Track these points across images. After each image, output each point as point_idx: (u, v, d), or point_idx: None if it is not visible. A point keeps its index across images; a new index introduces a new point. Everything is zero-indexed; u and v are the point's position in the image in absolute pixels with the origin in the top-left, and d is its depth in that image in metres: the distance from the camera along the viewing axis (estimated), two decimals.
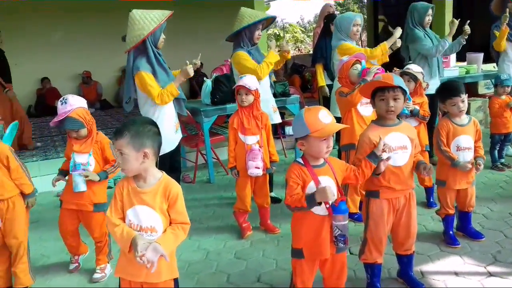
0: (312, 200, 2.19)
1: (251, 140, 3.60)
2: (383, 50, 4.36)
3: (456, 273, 2.95)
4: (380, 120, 2.64)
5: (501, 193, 4.31)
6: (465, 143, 3.23)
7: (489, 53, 5.86)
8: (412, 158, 2.64)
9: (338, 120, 3.55)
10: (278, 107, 4.68)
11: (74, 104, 3.03)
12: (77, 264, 3.41)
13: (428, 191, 4.08)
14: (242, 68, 4.18)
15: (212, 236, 3.83)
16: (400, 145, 2.59)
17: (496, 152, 5.00)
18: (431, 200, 4.05)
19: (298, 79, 10.61)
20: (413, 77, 3.97)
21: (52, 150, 6.58)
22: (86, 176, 3.05)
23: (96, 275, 3.24)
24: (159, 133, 2.12)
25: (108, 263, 3.35)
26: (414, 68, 4.05)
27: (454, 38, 5.00)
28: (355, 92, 3.48)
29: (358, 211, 3.86)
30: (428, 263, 3.11)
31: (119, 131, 2.04)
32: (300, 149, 2.33)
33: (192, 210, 4.34)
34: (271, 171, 3.75)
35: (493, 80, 6.17)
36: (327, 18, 6.14)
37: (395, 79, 2.53)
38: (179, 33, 10.43)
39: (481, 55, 6.77)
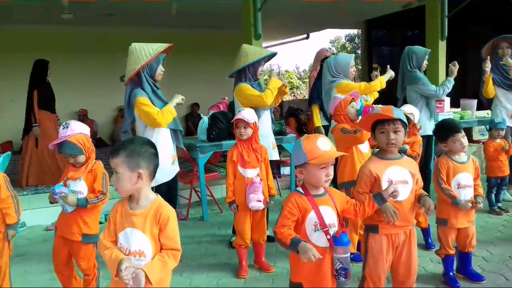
0: (294, 247, 2.11)
1: (251, 173, 3.55)
2: (381, 82, 4.51)
3: None
4: (381, 153, 2.62)
5: (500, 236, 4.25)
6: (466, 181, 3.20)
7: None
8: (413, 194, 2.59)
9: (337, 160, 3.53)
10: (277, 145, 4.67)
11: (75, 129, 3.00)
12: None
13: (425, 232, 4.01)
14: (247, 98, 4.18)
15: (204, 273, 3.70)
16: (401, 179, 2.55)
17: (493, 196, 4.97)
18: (429, 241, 3.97)
19: (294, 121, 10.65)
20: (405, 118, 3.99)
21: (44, 186, 6.47)
22: (64, 197, 2.92)
23: None
24: (156, 155, 2.07)
25: None
26: (407, 109, 4.08)
27: None
28: (364, 130, 3.47)
29: (356, 251, 3.77)
30: None
31: (115, 149, 2.00)
32: (299, 177, 2.28)
33: (184, 246, 4.09)
34: (269, 205, 3.68)
35: (487, 126, 6.24)
36: (323, 61, 6.23)
37: (395, 111, 2.52)
38: (177, 75, 10.56)
39: (475, 101, 6.86)
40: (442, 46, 7.50)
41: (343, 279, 2.20)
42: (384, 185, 2.52)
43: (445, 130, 3.27)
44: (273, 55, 4.54)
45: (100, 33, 10.50)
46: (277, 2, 6.77)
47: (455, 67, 5.01)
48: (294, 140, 5.59)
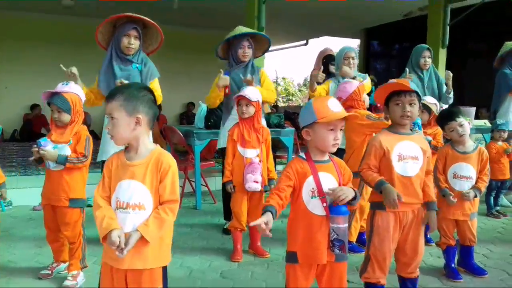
0: (265, 211, 2.00)
1: (251, 153, 3.43)
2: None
3: None
4: (393, 127, 2.52)
5: (500, 237, 4.16)
6: (464, 172, 3.12)
7: (479, 108, 5.86)
8: (423, 171, 2.49)
9: (342, 152, 3.41)
10: (272, 138, 4.51)
11: (73, 89, 2.98)
12: (50, 272, 3.10)
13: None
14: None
15: (196, 255, 3.57)
16: (411, 155, 2.45)
17: (491, 199, 4.90)
18: (428, 236, 3.87)
19: (290, 125, 10.62)
20: (427, 108, 3.91)
21: (33, 168, 6.31)
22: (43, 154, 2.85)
23: (66, 282, 2.93)
24: (155, 102, 1.96)
25: (82, 270, 3.05)
26: (428, 99, 4.02)
27: None
28: None
29: (354, 242, 3.66)
30: None
31: (111, 94, 1.88)
32: (306, 139, 2.15)
33: (176, 230, 4.02)
34: (268, 188, 3.56)
35: (484, 135, 6.20)
36: (326, 58, 6.15)
37: (411, 84, 2.44)
38: (175, 73, 10.50)
39: (473, 109, 6.83)
40: (443, 54, 7.49)
41: (338, 251, 2.05)
42: (394, 160, 2.43)
43: (441, 118, 3.21)
44: (265, 40, 4.23)
45: (91, 26, 10.37)
46: None
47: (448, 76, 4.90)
48: (292, 133, 5.50)
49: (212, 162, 5.48)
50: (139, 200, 1.85)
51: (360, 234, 3.75)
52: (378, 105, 3.72)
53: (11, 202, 4.97)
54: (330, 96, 2.20)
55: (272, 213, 1.98)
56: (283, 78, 17.01)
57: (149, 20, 3.56)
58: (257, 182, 3.37)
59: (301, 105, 14.21)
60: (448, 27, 7.49)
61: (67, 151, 2.92)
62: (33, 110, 10.40)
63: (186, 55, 11.21)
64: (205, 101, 4.07)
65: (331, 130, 2.10)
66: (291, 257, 2.14)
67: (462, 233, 3.17)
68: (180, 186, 5.33)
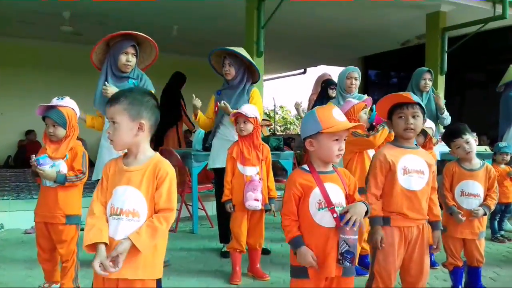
0: (294, 247, 2.02)
1: (251, 171, 3.34)
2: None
3: None
4: (397, 141, 2.46)
5: (506, 260, 4.05)
6: (472, 189, 3.04)
7: (479, 135, 5.82)
8: (429, 185, 2.41)
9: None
10: (272, 161, 4.43)
11: (68, 103, 2.93)
12: None
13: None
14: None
15: (193, 278, 3.43)
16: (416, 168, 2.38)
17: (496, 223, 4.79)
18: (433, 259, 3.75)
19: (288, 149, 10.58)
20: (423, 132, 3.85)
21: (26, 192, 6.19)
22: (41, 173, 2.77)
23: None
24: (158, 107, 1.90)
25: None
26: (425, 123, 3.96)
27: None
28: (378, 133, 3.32)
29: (356, 264, 3.53)
30: None
31: (114, 97, 1.82)
32: (309, 150, 2.07)
33: (172, 254, 3.93)
34: (269, 207, 3.46)
35: (485, 160, 6.13)
36: (325, 83, 6.16)
37: (414, 96, 2.39)
38: None
39: (473, 135, 6.79)
40: (442, 80, 7.51)
41: (348, 263, 1.96)
42: (399, 173, 2.35)
43: (447, 135, 3.14)
44: (256, 73, 4.05)
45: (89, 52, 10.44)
46: (278, 24, 6.76)
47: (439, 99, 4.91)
48: (292, 157, 5.42)
49: (209, 185, 5.37)
50: (133, 206, 1.76)
51: (362, 257, 3.63)
52: (374, 123, 3.71)
53: (2, 226, 4.84)
54: (333, 105, 2.14)
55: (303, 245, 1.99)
56: (281, 107, 17.06)
57: (146, 36, 3.52)
58: (257, 200, 3.27)
59: (299, 133, 14.18)
60: (446, 54, 7.54)
61: (63, 167, 2.85)
62: (28, 136, 10.31)
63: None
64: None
65: (336, 140, 2.03)
66: (300, 272, 2.03)
67: (469, 253, 3.06)
68: (177, 210, 5.23)
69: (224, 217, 3.80)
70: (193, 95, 4.00)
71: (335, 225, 1.99)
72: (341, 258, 1.96)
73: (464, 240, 3.05)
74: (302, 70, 13.11)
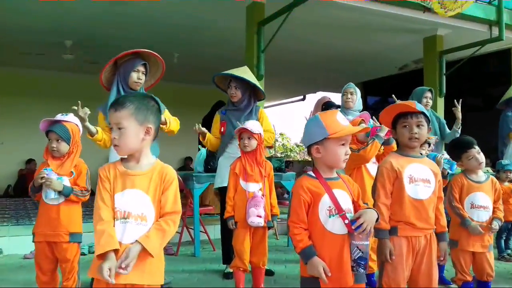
0: (304, 258, 1.96)
1: (253, 187, 3.30)
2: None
3: None
4: (402, 150, 2.44)
5: None
6: (481, 201, 3.01)
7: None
8: (435, 194, 2.38)
9: None
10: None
11: (72, 119, 2.95)
12: None
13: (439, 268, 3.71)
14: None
15: None
16: (422, 177, 2.36)
17: (502, 242, 4.72)
18: (443, 275, 3.67)
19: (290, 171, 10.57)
20: (427, 142, 3.85)
21: (25, 218, 6.12)
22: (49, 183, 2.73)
23: None
24: (160, 111, 1.90)
25: None
26: (430, 132, 3.96)
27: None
28: (368, 147, 3.32)
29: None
30: None
31: (119, 102, 1.81)
32: (315, 157, 2.05)
33: (174, 276, 3.86)
34: (271, 224, 3.40)
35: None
36: (325, 105, 6.17)
37: (418, 105, 2.38)
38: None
39: None
40: (441, 102, 7.54)
41: (362, 270, 1.93)
42: (406, 182, 2.33)
43: (458, 147, 3.13)
44: (261, 94, 4.09)
45: (93, 81, 10.53)
46: (277, 50, 6.84)
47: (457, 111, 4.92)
48: (294, 177, 5.38)
49: (211, 207, 5.31)
50: (142, 210, 1.75)
51: (368, 276, 3.54)
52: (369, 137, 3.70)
53: (1, 251, 4.77)
54: (336, 111, 2.13)
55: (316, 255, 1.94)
56: (281, 134, 17.09)
57: (154, 53, 3.53)
58: (260, 216, 3.22)
59: (300, 160, 14.14)
60: (444, 77, 7.58)
61: (68, 183, 2.82)
62: (28, 165, 10.27)
63: (183, 110, 11.22)
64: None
65: (342, 145, 2.02)
66: (312, 283, 1.96)
67: (480, 266, 3.00)
68: (178, 233, 5.16)
69: (228, 238, 3.74)
70: (196, 124, 3.96)
71: (346, 232, 1.96)
72: (354, 265, 1.93)
73: (474, 254, 3.01)
74: (301, 97, 13.19)
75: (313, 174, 2.06)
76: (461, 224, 2.96)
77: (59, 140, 2.83)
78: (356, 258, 1.92)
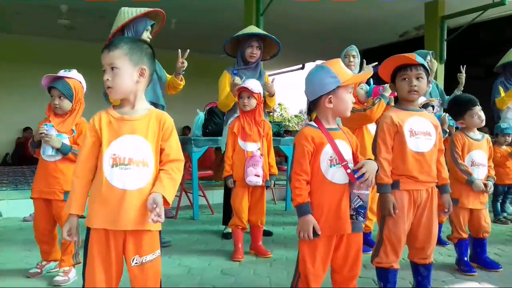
0: (301, 212, 1.96)
1: (252, 147, 3.30)
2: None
3: None
4: (402, 104, 2.42)
5: (510, 239, 4.00)
6: (480, 159, 3.03)
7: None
8: (437, 148, 2.39)
9: None
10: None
11: (75, 76, 2.90)
12: (39, 271, 2.90)
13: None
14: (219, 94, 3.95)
15: (195, 256, 3.38)
16: (423, 130, 2.35)
17: (498, 205, 4.76)
18: (439, 236, 3.70)
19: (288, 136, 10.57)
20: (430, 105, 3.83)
21: (24, 184, 6.14)
22: (48, 139, 2.71)
23: (58, 278, 2.75)
24: (154, 57, 1.87)
25: (74, 267, 2.87)
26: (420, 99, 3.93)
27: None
28: (374, 107, 3.30)
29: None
30: (444, 286, 2.72)
31: (113, 43, 1.77)
32: (326, 107, 2.00)
33: (173, 236, 3.89)
34: (269, 184, 3.41)
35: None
36: None
37: (417, 57, 2.35)
38: (171, 98, 10.41)
39: None
40: (441, 69, 7.49)
41: (362, 218, 1.95)
42: (407, 135, 2.32)
43: (461, 104, 3.09)
44: (276, 44, 4.06)
45: (88, 49, 10.40)
46: (276, 16, 6.75)
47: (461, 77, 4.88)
48: (293, 142, 5.37)
49: (210, 172, 5.32)
50: (143, 156, 1.74)
51: (365, 235, 3.57)
52: (372, 97, 3.68)
53: (1, 214, 4.80)
54: (338, 59, 2.10)
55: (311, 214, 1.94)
56: (280, 104, 17.02)
57: (161, 11, 3.55)
58: (258, 176, 3.23)
59: (297, 129, 14.11)
60: (445, 43, 7.53)
61: (67, 142, 2.81)
62: (25, 133, 10.24)
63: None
64: (219, 105, 3.93)
65: (350, 92, 2.03)
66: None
67: (477, 223, 3.03)
68: (177, 196, 5.18)
69: (228, 201, 3.77)
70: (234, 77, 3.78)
71: (346, 182, 1.97)
72: (354, 213, 1.95)
73: (471, 211, 3.03)
74: (300, 66, 13.08)
75: (315, 124, 2.05)
76: (467, 182, 2.96)
77: (62, 97, 2.79)
78: (356, 206, 1.94)
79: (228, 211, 3.93)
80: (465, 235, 3.03)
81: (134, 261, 1.74)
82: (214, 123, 4.98)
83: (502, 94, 5.07)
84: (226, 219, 4.03)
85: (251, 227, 3.44)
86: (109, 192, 1.70)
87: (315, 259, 1.98)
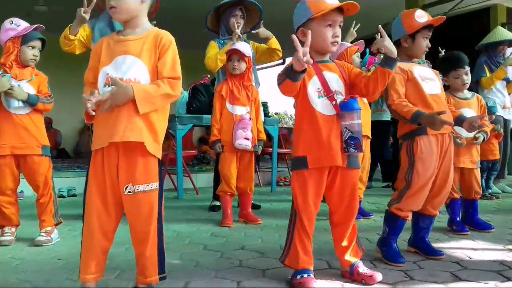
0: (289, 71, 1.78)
1: (241, 111, 3.23)
2: None
3: (474, 249, 2.55)
4: (403, 58, 2.40)
5: (497, 210, 4.01)
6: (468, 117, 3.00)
7: None
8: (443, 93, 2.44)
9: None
10: None
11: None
12: (12, 237, 2.67)
13: None
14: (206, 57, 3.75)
15: (182, 223, 3.29)
16: (429, 76, 2.39)
17: (483, 181, 4.77)
18: None
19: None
20: None
21: None
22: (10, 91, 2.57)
23: (40, 238, 2.62)
24: None
25: (56, 227, 2.74)
26: None
27: None
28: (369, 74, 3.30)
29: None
30: (439, 243, 2.69)
31: None
32: (302, 40, 1.84)
33: None
34: (258, 149, 3.34)
35: None
36: None
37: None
38: None
39: None
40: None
41: (354, 150, 1.87)
42: (419, 79, 2.33)
43: (448, 62, 3.06)
44: (258, 11, 3.94)
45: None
46: None
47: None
48: (277, 123, 5.33)
49: (195, 152, 5.23)
50: (134, 75, 1.66)
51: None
52: (366, 66, 3.68)
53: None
54: None
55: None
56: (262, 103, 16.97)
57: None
58: (248, 139, 3.16)
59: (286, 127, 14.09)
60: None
61: (29, 89, 2.68)
62: None
63: None
64: (206, 64, 3.70)
65: (329, 25, 1.93)
66: (300, 163, 1.93)
67: (468, 183, 3.03)
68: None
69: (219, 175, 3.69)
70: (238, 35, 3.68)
71: (336, 113, 1.90)
72: (345, 146, 1.88)
73: (462, 171, 3.02)
74: (281, 61, 13.02)
75: None
76: None
77: (40, 50, 2.74)
78: (346, 138, 1.88)
79: (217, 186, 3.82)
80: (456, 195, 3.02)
81: (127, 190, 1.65)
82: (199, 101, 4.89)
83: (488, 74, 5.10)
84: (215, 195, 3.93)
85: (239, 194, 3.36)
86: (103, 113, 1.64)
87: (307, 195, 1.91)
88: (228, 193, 3.27)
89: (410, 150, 2.29)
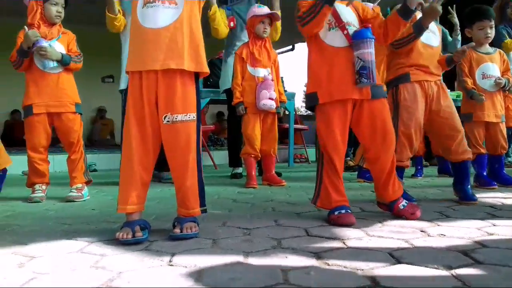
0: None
1: (262, 72, 3.23)
2: None
3: (505, 198, 2.53)
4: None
5: None
6: (492, 71, 3.01)
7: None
8: (440, 43, 2.48)
9: None
10: None
11: None
12: (43, 194, 2.70)
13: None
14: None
15: (208, 187, 3.26)
16: (430, 29, 2.38)
17: None
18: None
19: None
20: None
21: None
22: (44, 53, 2.59)
23: (71, 194, 2.65)
24: None
25: (86, 185, 2.77)
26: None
27: None
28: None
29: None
30: None
31: None
32: None
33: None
34: (280, 110, 3.35)
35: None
36: None
37: None
38: None
39: None
40: None
41: (365, 80, 1.84)
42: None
43: (474, 12, 3.01)
44: None
45: (83, 33, 10.22)
46: None
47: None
48: (293, 97, 5.32)
49: (212, 126, 5.23)
50: None
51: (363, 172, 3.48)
52: None
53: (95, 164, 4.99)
54: None
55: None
56: None
57: None
58: (272, 99, 3.15)
59: None
60: None
61: (62, 49, 2.72)
62: (13, 116, 10.02)
63: None
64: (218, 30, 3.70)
65: None
66: (311, 99, 1.95)
67: (494, 138, 3.02)
68: None
69: (234, 141, 3.70)
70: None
71: (347, 45, 1.89)
72: (358, 76, 1.86)
73: (487, 126, 3.01)
74: (290, 47, 12.97)
75: None
76: (467, 95, 2.97)
77: (64, 6, 2.75)
78: (358, 69, 1.86)
79: (234, 153, 3.84)
80: (483, 150, 3.00)
81: (166, 119, 1.65)
82: (216, 75, 4.88)
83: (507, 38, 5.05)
84: (232, 161, 3.95)
85: (263, 156, 3.37)
86: (140, 33, 1.66)
87: (333, 130, 1.90)
88: (253, 155, 3.27)
89: (395, 97, 2.34)
